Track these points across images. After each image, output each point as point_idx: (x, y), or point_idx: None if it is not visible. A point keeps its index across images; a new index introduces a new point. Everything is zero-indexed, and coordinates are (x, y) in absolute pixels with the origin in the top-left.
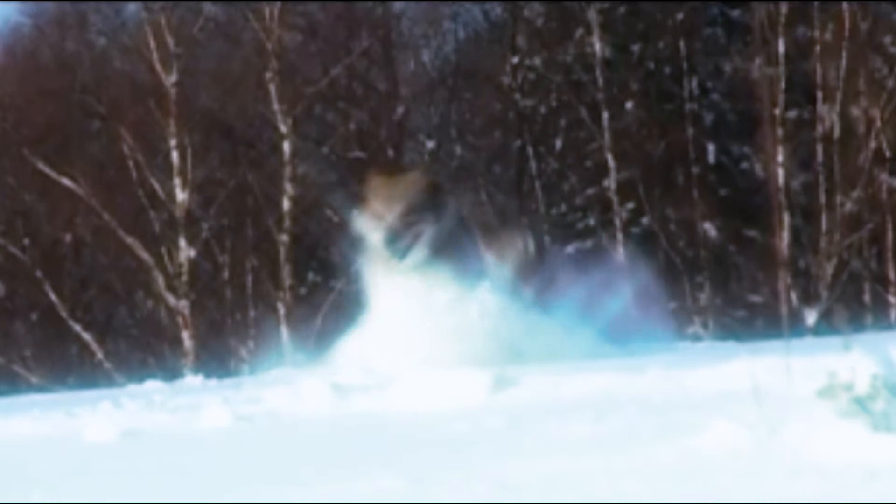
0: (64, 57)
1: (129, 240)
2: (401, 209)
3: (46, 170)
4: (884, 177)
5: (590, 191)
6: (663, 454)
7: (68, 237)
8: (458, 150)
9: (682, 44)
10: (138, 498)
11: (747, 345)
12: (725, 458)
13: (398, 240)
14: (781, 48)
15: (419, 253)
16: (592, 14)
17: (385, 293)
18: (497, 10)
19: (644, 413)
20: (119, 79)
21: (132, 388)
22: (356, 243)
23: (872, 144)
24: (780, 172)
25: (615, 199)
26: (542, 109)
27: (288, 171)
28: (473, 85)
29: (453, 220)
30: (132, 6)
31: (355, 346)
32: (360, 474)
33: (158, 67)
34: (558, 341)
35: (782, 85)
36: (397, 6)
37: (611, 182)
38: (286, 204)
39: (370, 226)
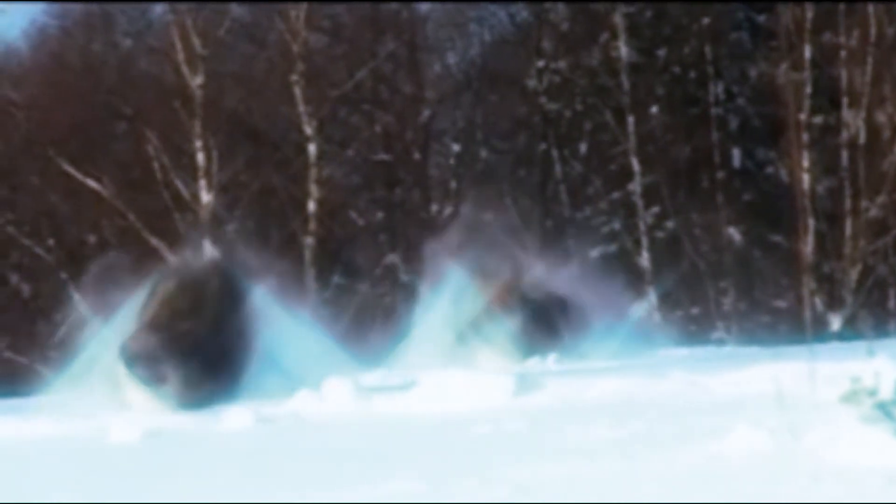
0: (90, 58)
1: (154, 241)
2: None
3: (72, 171)
4: None
5: (614, 195)
6: (684, 458)
7: (93, 238)
8: (483, 153)
9: (707, 48)
10: (160, 498)
11: (771, 350)
12: (747, 462)
13: (147, 365)
14: (807, 53)
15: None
16: (618, 18)
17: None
18: (523, 13)
19: (665, 417)
20: (145, 80)
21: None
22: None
23: None
24: (805, 177)
25: (640, 204)
26: (567, 113)
27: (313, 173)
28: (499, 88)
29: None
30: (158, 8)
31: None
32: (381, 476)
33: (184, 69)
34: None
35: (808, 90)
36: (423, 9)
37: (635, 186)
38: (311, 206)
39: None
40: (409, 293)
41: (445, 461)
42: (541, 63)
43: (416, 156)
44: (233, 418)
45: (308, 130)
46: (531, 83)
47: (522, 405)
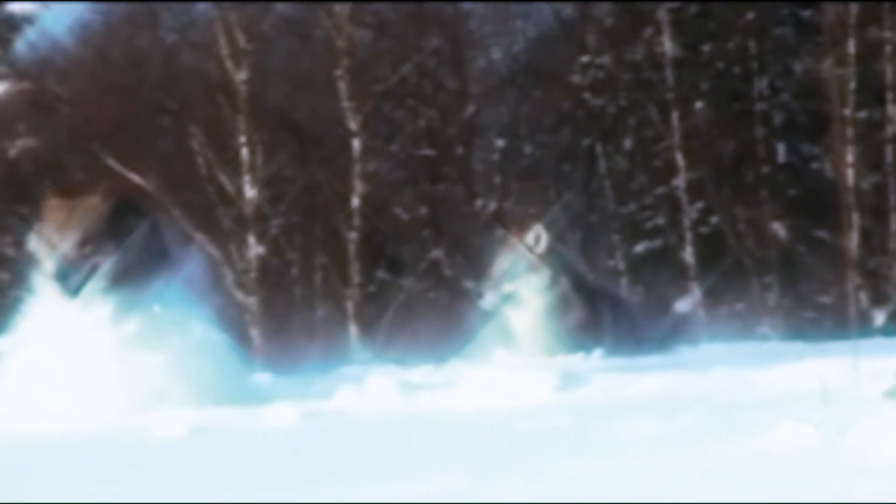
0: (134, 54)
1: (198, 236)
2: (76, 238)
3: (116, 165)
4: None
5: (659, 190)
6: (729, 453)
7: None
8: (527, 148)
9: (752, 44)
10: (205, 494)
11: (816, 345)
12: (792, 457)
13: (70, 273)
14: (851, 48)
15: (95, 287)
16: (662, 13)
17: (53, 329)
18: (567, 9)
19: (710, 412)
20: (189, 75)
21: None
22: (28, 270)
23: None
24: (850, 173)
25: (684, 199)
26: (612, 108)
27: (357, 168)
28: (543, 83)
29: (143, 245)
30: (203, 3)
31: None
32: (425, 472)
33: (229, 64)
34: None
35: (852, 85)
36: (467, 5)
37: (680, 181)
38: (355, 201)
39: (43, 253)
40: (453, 288)
41: (490, 457)
42: (585, 58)
43: (460, 151)
44: (277, 415)
45: (352, 126)
46: (575, 78)
47: (567, 401)
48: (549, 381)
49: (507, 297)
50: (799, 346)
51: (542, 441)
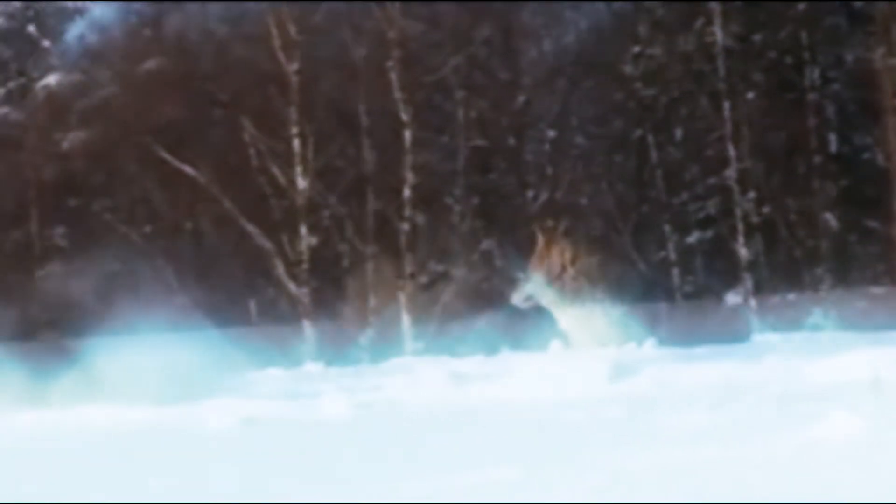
0: (185, 46)
1: (250, 227)
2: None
3: (168, 158)
4: None
5: (710, 180)
6: (780, 444)
7: (189, 224)
8: (578, 138)
9: (803, 34)
10: (256, 485)
11: (867, 335)
12: (844, 448)
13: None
14: None
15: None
16: (714, 4)
17: None
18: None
19: (762, 403)
20: (241, 67)
21: (253, 375)
22: None
23: None
24: None
25: (736, 189)
26: (663, 99)
27: (409, 159)
28: (594, 74)
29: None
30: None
31: None
32: (477, 463)
33: (280, 55)
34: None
35: None
36: None
37: (731, 172)
38: (407, 192)
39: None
40: (504, 279)
41: (541, 448)
42: (636, 49)
43: (512, 142)
44: (328, 405)
45: (404, 117)
46: (627, 69)
47: (618, 391)
48: (601, 371)
49: (559, 289)
50: (851, 335)
51: (592, 432)
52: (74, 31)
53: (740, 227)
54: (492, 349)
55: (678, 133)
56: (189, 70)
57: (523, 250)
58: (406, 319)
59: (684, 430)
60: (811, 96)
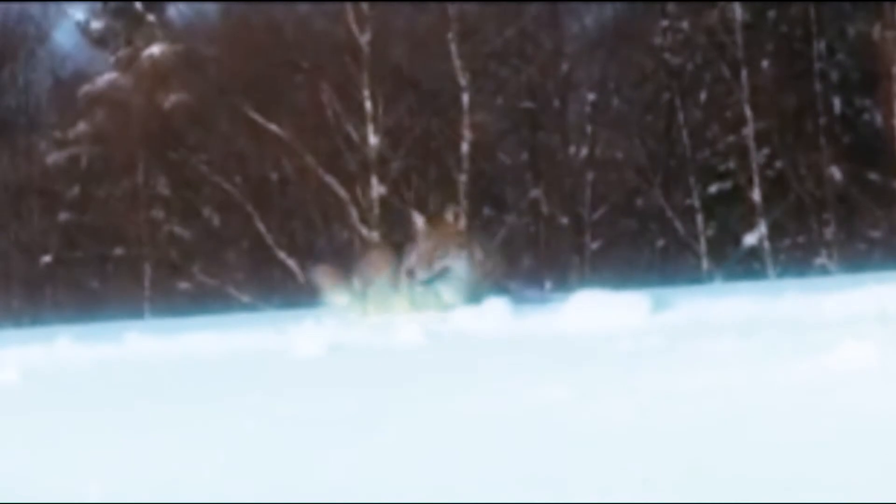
0: (271, 20)
1: (328, 178)
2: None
3: (256, 117)
4: None
5: (730, 138)
6: (800, 368)
7: (274, 175)
8: (615, 101)
9: (811, 10)
10: (351, 404)
11: (870, 274)
12: (854, 373)
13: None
14: None
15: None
16: None
17: None
18: None
19: (782, 333)
20: (320, 38)
21: (329, 308)
22: None
23: None
24: None
25: (752, 146)
26: (689, 66)
27: (466, 119)
28: (629, 45)
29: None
30: None
31: None
32: (534, 385)
33: (354, 28)
34: None
35: None
36: None
37: (749, 130)
38: (465, 148)
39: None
40: (550, 224)
41: (590, 372)
42: (665, 23)
43: (557, 104)
44: (404, 333)
45: (462, 82)
46: (657, 40)
47: (659, 323)
48: (643, 304)
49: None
50: (855, 276)
51: (638, 359)
52: (175, 6)
53: (756, 179)
54: (543, 285)
55: (702, 96)
56: (274, 41)
57: (565, 200)
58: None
59: (716, 356)
60: (818, 65)
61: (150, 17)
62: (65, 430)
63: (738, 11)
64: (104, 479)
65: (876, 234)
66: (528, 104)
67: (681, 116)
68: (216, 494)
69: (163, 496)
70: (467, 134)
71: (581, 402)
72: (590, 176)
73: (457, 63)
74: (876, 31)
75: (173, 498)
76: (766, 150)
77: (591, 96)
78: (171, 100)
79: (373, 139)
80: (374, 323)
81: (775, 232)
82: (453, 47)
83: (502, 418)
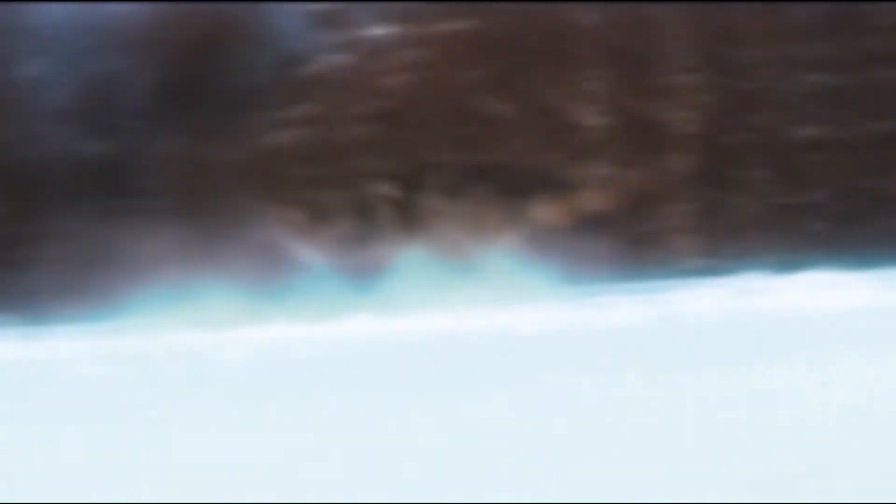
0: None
1: (549, 156)
2: None
3: (478, 97)
4: None
5: None
6: None
7: (497, 154)
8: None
9: None
10: (579, 380)
11: None
12: None
13: None
14: None
15: None
16: None
17: None
18: None
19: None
20: (543, 22)
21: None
22: None
23: None
24: None
25: None
26: None
27: (685, 100)
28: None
29: None
30: None
31: None
32: (749, 368)
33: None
34: None
35: None
36: None
37: None
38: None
39: None
40: (775, 206)
41: (817, 353)
42: None
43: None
44: (625, 314)
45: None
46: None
47: (889, 303)
48: (861, 284)
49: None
50: None
51: (863, 339)
52: None
53: None
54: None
55: None
56: (498, 27)
57: (791, 178)
58: (684, 241)
59: None
60: None
61: None
62: None
63: None
64: None
65: None
66: (746, 85)
67: None
68: None
69: None
70: (683, 115)
71: (806, 382)
72: (816, 156)
73: (679, 44)
74: None
75: None
76: None
77: (812, 77)
78: (392, 79)
79: (595, 121)
80: (597, 303)
81: None
82: (674, 30)
83: (731, 401)
